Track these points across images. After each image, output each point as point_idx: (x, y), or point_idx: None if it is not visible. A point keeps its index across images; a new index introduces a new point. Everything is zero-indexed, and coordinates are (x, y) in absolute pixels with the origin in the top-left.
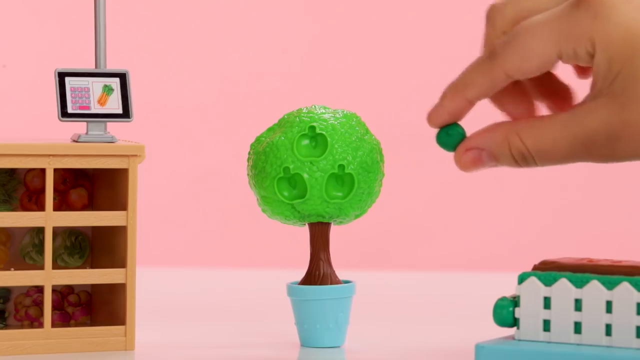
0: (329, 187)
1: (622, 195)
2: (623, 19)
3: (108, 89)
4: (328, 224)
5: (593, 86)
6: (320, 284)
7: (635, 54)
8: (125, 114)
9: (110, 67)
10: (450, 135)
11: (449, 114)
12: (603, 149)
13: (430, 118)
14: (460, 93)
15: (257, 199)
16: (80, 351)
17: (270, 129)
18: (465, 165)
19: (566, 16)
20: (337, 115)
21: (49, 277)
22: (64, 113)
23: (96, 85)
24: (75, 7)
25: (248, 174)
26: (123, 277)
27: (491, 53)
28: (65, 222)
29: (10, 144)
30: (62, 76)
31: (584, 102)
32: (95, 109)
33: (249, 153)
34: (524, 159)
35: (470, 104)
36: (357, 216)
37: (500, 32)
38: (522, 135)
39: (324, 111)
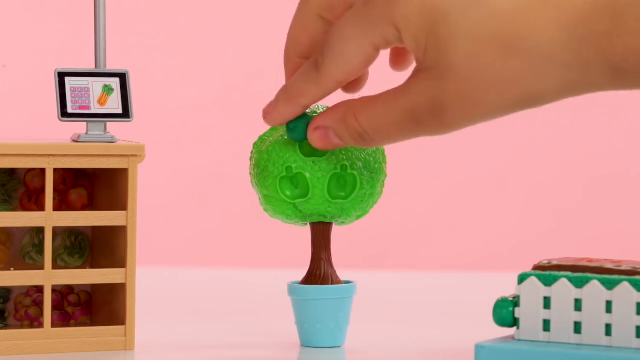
0: (331, 187)
1: (622, 195)
2: None
3: (108, 89)
4: (330, 224)
5: (416, 61)
6: (321, 284)
7: (434, 24)
8: (125, 114)
9: (110, 67)
10: (293, 129)
11: (284, 118)
12: (431, 120)
13: (266, 118)
14: (294, 101)
15: (259, 198)
16: (80, 351)
17: (273, 128)
18: (316, 143)
19: (365, 8)
20: None
21: (49, 277)
22: (64, 113)
23: (96, 85)
24: (75, 7)
25: (250, 173)
26: (123, 277)
27: (316, 64)
28: (65, 222)
29: (10, 144)
30: (62, 76)
31: (410, 77)
32: (95, 109)
33: (252, 152)
34: (361, 138)
35: (305, 108)
36: (358, 217)
37: (315, 15)
38: (357, 114)
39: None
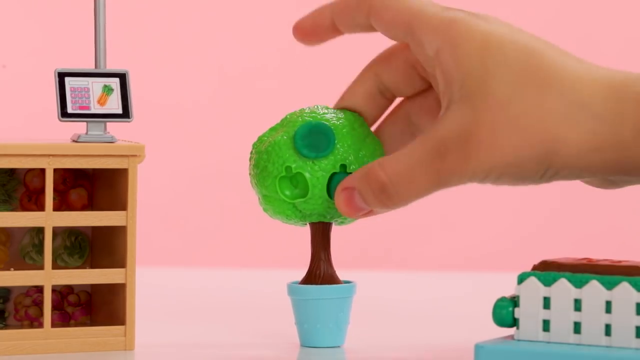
0: (331, 186)
1: (622, 195)
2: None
3: (108, 89)
4: (329, 224)
5: (443, 98)
6: (321, 284)
7: (485, 55)
8: (125, 114)
9: (109, 67)
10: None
11: (312, 23)
12: (457, 153)
13: (296, 29)
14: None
15: (259, 199)
16: (80, 351)
17: (272, 129)
18: (340, 207)
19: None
20: (340, 116)
21: (49, 277)
22: (64, 113)
23: (96, 85)
24: (74, 7)
25: (250, 173)
26: (123, 277)
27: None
28: (65, 222)
29: (10, 144)
30: (61, 76)
31: (439, 116)
32: (95, 109)
33: (251, 152)
34: (383, 191)
35: (332, 23)
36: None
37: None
38: (383, 163)
39: (326, 111)
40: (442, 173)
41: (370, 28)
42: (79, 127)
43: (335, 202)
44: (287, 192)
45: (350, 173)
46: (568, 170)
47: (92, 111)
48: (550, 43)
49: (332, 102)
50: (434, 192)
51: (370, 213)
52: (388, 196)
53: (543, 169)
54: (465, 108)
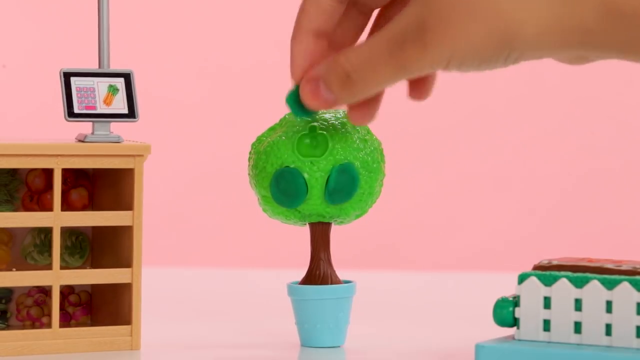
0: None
1: (622, 195)
2: None
3: (113, 89)
4: (328, 224)
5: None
6: (321, 284)
7: None
8: (131, 114)
9: (111, 66)
10: (292, 96)
11: (303, 57)
12: (415, 42)
13: (292, 74)
14: (299, 28)
15: (258, 199)
16: (87, 351)
17: (271, 129)
18: (307, 99)
19: None
20: (338, 115)
21: (57, 278)
22: (71, 113)
23: (101, 85)
24: (74, 7)
25: (249, 174)
26: (129, 277)
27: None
28: (72, 222)
29: (17, 144)
30: (67, 76)
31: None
32: (101, 109)
33: (250, 153)
34: (348, 78)
35: (316, 37)
36: (357, 216)
37: None
38: (347, 54)
39: (324, 111)
40: (402, 61)
41: None
42: (79, 127)
43: (301, 95)
44: None
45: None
46: (531, 53)
47: (99, 111)
48: None
49: None
50: (397, 81)
51: (334, 104)
52: (352, 82)
53: (505, 53)
54: (419, 2)
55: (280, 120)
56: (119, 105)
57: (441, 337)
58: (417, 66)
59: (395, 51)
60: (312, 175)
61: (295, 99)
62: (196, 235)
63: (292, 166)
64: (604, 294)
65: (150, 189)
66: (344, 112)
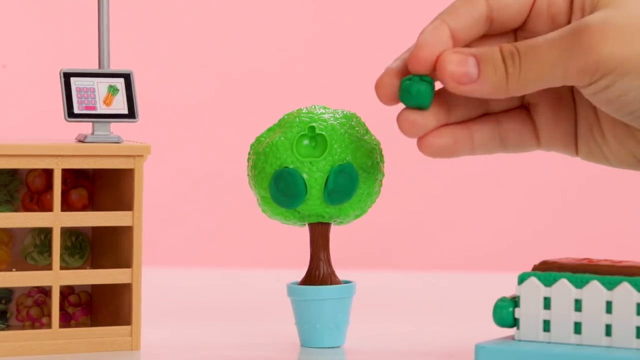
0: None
1: (622, 195)
2: None
3: (113, 89)
4: (328, 224)
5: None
6: (320, 284)
7: None
8: (131, 114)
9: (111, 67)
10: (421, 82)
11: (441, 43)
12: (595, 33)
13: (421, 56)
14: (442, 21)
15: (257, 199)
16: (86, 351)
17: (270, 129)
18: (446, 67)
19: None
20: (337, 116)
21: (57, 278)
22: (71, 113)
23: (101, 85)
24: (74, 7)
25: (248, 174)
26: (129, 277)
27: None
28: (72, 223)
29: (17, 145)
30: (67, 76)
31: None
32: (101, 109)
33: (249, 153)
34: (511, 55)
35: (452, 36)
36: (357, 216)
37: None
38: (516, 43)
39: (323, 111)
40: (571, 52)
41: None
42: (79, 127)
43: (441, 63)
44: None
45: None
46: None
47: (98, 111)
48: None
49: (331, 102)
50: (552, 84)
51: (472, 85)
52: (513, 62)
53: None
54: (608, 8)
55: (279, 120)
56: (119, 105)
57: (441, 337)
58: (582, 62)
59: (568, 39)
60: (311, 176)
61: (409, 88)
62: (196, 235)
63: (291, 167)
64: (604, 294)
65: (150, 189)
66: (342, 112)
